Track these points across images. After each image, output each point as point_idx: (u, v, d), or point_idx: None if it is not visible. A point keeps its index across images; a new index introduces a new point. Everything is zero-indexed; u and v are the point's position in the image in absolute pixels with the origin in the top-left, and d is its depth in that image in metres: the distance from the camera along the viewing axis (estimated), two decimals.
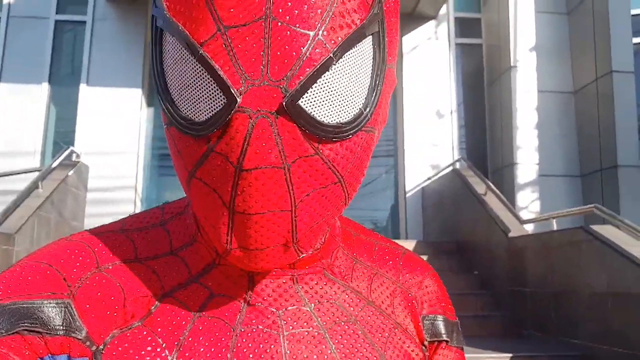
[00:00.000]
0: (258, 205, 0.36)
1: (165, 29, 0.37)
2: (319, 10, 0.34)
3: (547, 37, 7.11)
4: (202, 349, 0.41)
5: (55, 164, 5.51)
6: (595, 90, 6.63)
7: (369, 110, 0.38)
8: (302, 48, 0.34)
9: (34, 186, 5.05)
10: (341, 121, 0.37)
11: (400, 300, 0.51)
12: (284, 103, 0.34)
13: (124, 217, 0.51)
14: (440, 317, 0.53)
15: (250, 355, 0.42)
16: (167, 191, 7.09)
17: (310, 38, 0.34)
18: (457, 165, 6.34)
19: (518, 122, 6.66)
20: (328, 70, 0.35)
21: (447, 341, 0.53)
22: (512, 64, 6.71)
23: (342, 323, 0.46)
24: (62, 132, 6.93)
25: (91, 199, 6.29)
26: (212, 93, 0.35)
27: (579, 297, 3.81)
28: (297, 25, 0.34)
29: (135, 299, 0.43)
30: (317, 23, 0.34)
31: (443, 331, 0.52)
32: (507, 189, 6.55)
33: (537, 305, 4.36)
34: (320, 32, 0.34)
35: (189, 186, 0.40)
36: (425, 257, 5.55)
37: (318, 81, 0.35)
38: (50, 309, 0.40)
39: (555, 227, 4.53)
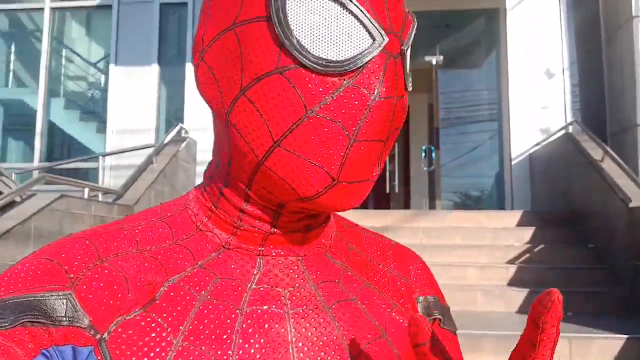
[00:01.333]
0: (376, 134, 0.42)
1: None
2: None
3: None
4: (207, 332, 0.42)
5: (167, 140, 5.93)
6: None
7: (410, 74, 0.48)
8: (404, 12, 0.45)
9: (149, 161, 5.49)
10: (409, 73, 0.46)
11: (395, 284, 0.54)
12: (403, 48, 0.44)
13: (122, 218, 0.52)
14: (432, 298, 0.57)
15: (256, 335, 0.43)
16: None
17: (404, 9, 0.45)
18: (570, 128, 5.86)
19: None
20: (414, 31, 0.46)
21: (440, 319, 0.56)
22: (634, 13, 5.97)
23: (344, 302, 0.48)
24: (172, 110, 7.41)
25: (200, 171, 6.72)
26: (356, 35, 0.41)
27: None
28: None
29: (139, 288, 0.44)
30: (404, 1, 0.46)
31: (435, 310, 0.56)
32: (629, 153, 5.93)
33: None
34: (405, 8, 0.46)
35: (305, 124, 0.41)
36: (532, 229, 5.25)
37: (411, 40, 0.45)
38: (52, 301, 0.42)
39: None
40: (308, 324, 0.45)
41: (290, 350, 0.44)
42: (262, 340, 0.43)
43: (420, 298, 0.56)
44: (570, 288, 4.38)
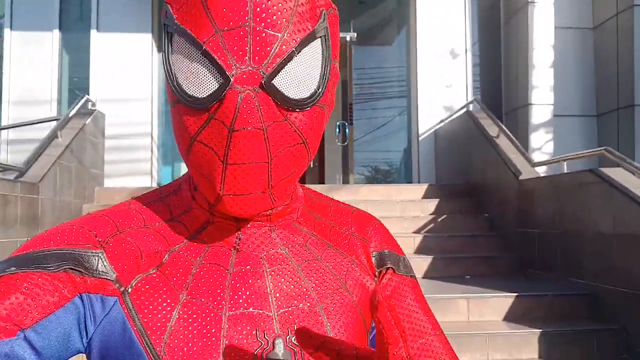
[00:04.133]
0: (245, 157, 0.49)
1: (176, 32, 0.50)
2: (284, 19, 0.48)
3: None
4: (204, 288, 0.54)
5: (72, 113, 5.60)
6: (616, 26, 6.41)
7: (321, 90, 0.52)
8: (273, 45, 0.48)
9: (53, 135, 5.17)
10: (302, 97, 0.51)
11: (354, 243, 0.65)
12: (262, 82, 0.48)
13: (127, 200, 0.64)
14: (385, 251, 0.67)
15: (243, 288, 0.55)
16: None
17: (279, 38, 0.48)
18: (471, 107, 6.28)
19: (534, 61, 6.51)
20: (291, 60, 0.49)
21: (393, 268, 0.66)
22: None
23: (311, 261, 0.60)
24: (76, 79, 6.98)
25: (109, 146, 6.43)
26: (212, 76, 0.48)
27: (585, 239, 3.90)
28: (270, 29, 0.47)
29: (149, 254, 0.55)
30: (282, 28, 0.48)
31: (388, 260, 0.66)
32: (522, 130, 6.51)
33: (544, 247, 4.47)
34: (286, 34, 0.48)
35: (190, 149, 0.52)
36: (436, 201, 5.64)
37: (285, 67, 0.48)
38: (88, 256, 0.52)
39: (566, 170, 4.56)
40: (283, 279, 0.57)
41: (270, 299, 0.55)
42: (247, 292, 0.55)
43: (375, 253, 0.66)
44: (467, 254, 4.81)
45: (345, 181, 7.51)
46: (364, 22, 7.82)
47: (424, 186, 6.08)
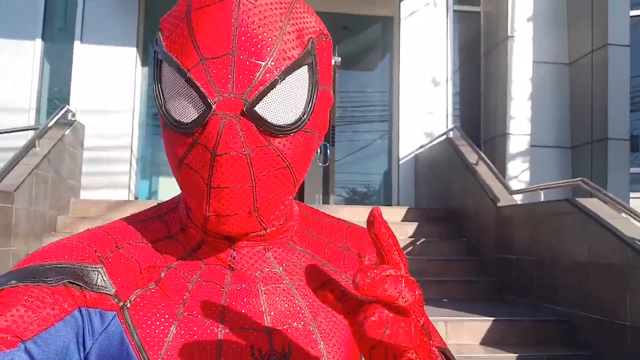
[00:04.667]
0: (228, 181, 0.50)
1: (164, 60, 0.52)
2: (268, 48, 0.49)
3: (545, 6, 7.08)
4: (201, 305, 0.55)
5: (51, 123, 5.51)
6: (590, 63, 6.67)
7: (306, 116, 0.53)
8: (256, 73, 0.49)
9: (31, 144, 5.07)
10: (286, 123, 0.51)
11: (349, 260, 0.66)
12: (244, 108, 0.49)
13: (126, 216, 0.65)
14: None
15: (238, 307, 0.56)
16: (162, 150, 7.12)
17: (262, 66, 0.49)
18: (451, 134, 6.41)
19: (513, 93, 6.71)
20: (275, 88, 0.50)
21: None
22: (509, 34, 6.70)
23: (305, 280, 0.60)
24: (56, 89, 6.88)
25: (88, 157, 6.33)
26: (196, 103, 0.49)
27: (562, 266, 3.99)
28: (253, 57, 0.49)
29: (148, 269, 0.56)
30: (266, 56, 0.49)
31: None
32: (499, 158, 6.66)
33: (521, 273, 4.54)
34: (269, 62, 0.49)
35: (179, 171, 0.53)
36: (415, 224, 5.70)
37: (268, 95, 0.50)
38: (88, 270, 0.53)
39: (542, 198, 4.67)
40: (277, 298, 0.58)
41: (265, 318, 0.56)
42: (242, 311, 0.56)
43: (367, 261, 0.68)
44: (446, 277, 4.86)
45: (325, 201, 7.52)
46: (348, 47, 7.96)
47: (404, 209, 6.14)
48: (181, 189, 0.56)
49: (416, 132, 7.07)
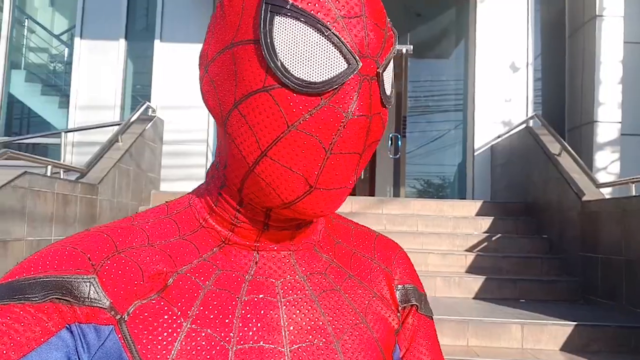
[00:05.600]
0: (349, 146, 0.47)
1: (292, 13, 0.46)
2: (386, 16, 0.50)
3: None
4: (212, 316, 0.49)
5: (133, 118, 5.82)
6: None
7: (393, 92, 0.53)
8: (382, 38, 0.48)
9: (114, 139, 5.39)
10: (389, 95, 0.50)
11: (377, 274, 0.61)
12: (379, 70, 0.48)
13: (137, 212, 0.60)
14: (410, 286, 0.63)
15: (254, 320, 0.50)
16: None
17: (385, 32, 0.49)
18: (531, 122, 6.05)
19: (601, 76, 6.20)
20: (392, 55, 0.50)
21: (417, 306, 0.62)
22: (597, 13, 6.18)
23: (329, 291, 0.55)
24: (139, 87, 7.26)
25: (166, 151, 6.63)
26: (333, 61, 0.45)
27: None
28: (378, 23, 0.48)
29: (152, 276, 0.50)
30: (385, 24, 0.49)
31: (413, 297, 0.62)
32: (585, 149, 6.20)
33: (608, 273, 4.19)
34: (386, 32, 0.49)
35: (285, 139, 0.46)
36: (491, 218, 5.44)
37: (389, 62, 0.49)
38: (77, 283, 0.47)
39: (634, 192, 4.27)
40: (298, 311, 0.52)
41: (283, 333, 0.50)
42: (258, 324, 0.50)
43: (400, 286, 0.61)
44: (523, 276, 4.59)
45: (396, 194, 7.39)
46: (421, 35, 7.73)
47: (478, 203, 5.88)
48: (278, 161, 0.48)
49: (493, 122, 6.75)
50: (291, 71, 0.45)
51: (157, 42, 6.99)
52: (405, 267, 0.64)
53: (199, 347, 0.47)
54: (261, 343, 0.49)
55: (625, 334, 3.48)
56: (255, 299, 0.51)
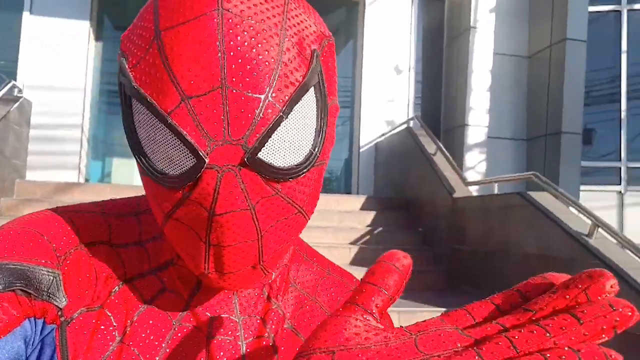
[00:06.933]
0: (229, 240, 0.42)
1: (134, 97, 0.41)
2: (266, 76, 0.39)
3: None
4: (143, 335, 0.47)
5: None
6: (549, 56, 6.78)
7: (318, 149, 0.44)
8: (255, 110, 0.39)
9: None
10: (295, 163, 0.42)
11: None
12: (245, 158, 0.39)
13: (103, 200, 0.55)
14: None
15: (181, 349, 0.48)
16: (116, 130, 6.87)
17: (262, 101, 0.39)
18: (411, 123, 6.43)
19: (472, 83, 6.77)
20: (280, 126, 0.40)
21: None
22: (472, 24, 6.73)
23: (259, 338, 0.52)
24: (2, 62, 6.51)
25: (34, 136, 6.03)
26: (183, 153, 0.40)
27: (511, 258, 4.06)
28: (249, 91, 0.38)
29: (103, 280, 0.48)
30: (265, 87, 0.39)
31: None
32: (457, 149, 6.73)
33: (474, 263, 4.62)
34: (270, 95, 0.39)
35: (165, 224, 0.44)
36: (373, 213, 5.71)
37: (272, 136, 0.40)
38: (42, 275, 0.44)
39: (497, 191, 4.74)
40: (222, 352, 0.49)
41: None
42: (184, 354, 0.48)
43: None
44: None
45: None
46: None
47: (362, 198, 6.14)
48: (168, 240, 0.46)
49: (378, 120, 7.06)
50: (155, 164, 0.42)
51: (25, 15, 6.31)
52: None
53: None
54: None
55: None
56: (188, 328, 0.49)
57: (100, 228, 0.50)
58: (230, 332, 0.50)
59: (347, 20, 7.90)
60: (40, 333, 0.44)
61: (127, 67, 0.41)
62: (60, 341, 0.44)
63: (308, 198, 0.45)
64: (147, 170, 0.42)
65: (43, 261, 0.44)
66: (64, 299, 0.45)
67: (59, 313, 0.45)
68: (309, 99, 0.42)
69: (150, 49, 0.40)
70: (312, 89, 0.42)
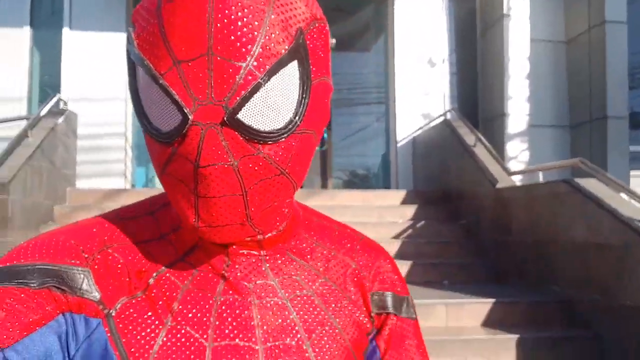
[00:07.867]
0: (215, 191, 0.46)
1: (136, 62, 0.47)
2: (248, 46, 0.44)
3: None
4: (190, 315, 0.52)
5: (43, 112, 5.43)
6: (588, 40, 6.59)
7: (298, 117, 0.48)
8: (236, 76, 0.44)
9: (23, 135, 5.00)
10: (275, 128, 0.47)
11: (352, 278, 0.61)
12: (225, 117, 0.44)
13: (116, 208, 0.61)
14: (388, 294, 0.63)
15: (229, 319, 0.53)
16: None
17: (243, 68, 0.44)
18: (448, 115, 6.36)
19: (510, 72, 6.64)
20: (258, 91, 0.45)
21: (395, 312, 0.63)
22: (504, 12, 6.60)
23: (301, 295, 0.57)
24: (47, 77, 6.78)
25: (81, 146, 6.26)
26: (172, 111, 0.45)
27: (560, 247, 3.98)
28: (232, 59, 0.44)
29: (136, 274, 0.53)
30: (247, 56, 0.44)
31: (389, 305, 0.62)
32: (497, 139, 6.62)
33: (520, 254, 4.54)
34: (251, 63, 0.44)
35: (162, 179, 0.50)
36: (414, 207, 5.68)
37: (251, 99, 0.45)
38: (73, 273, 0.50)
39: (541, 179, 4.64)
40: (270, 312, 0.55)
41: (256, 332, 0.53)
42: (234, 324, 0.53)
43: (375, 293, 0.62)
44: (445, 260, 4.85)
45: (324, 186, 7.49)
46: (342, 29, 7.85)
47: (402, 192, 6.11)
48: (168, 197, 0.52)
49: (413, 114, 7.01)
50: (150, 120, 0.48)
51: (65, 30, 6.56)
52: (384, 274, 0.64)
53: (178, 343, 0.50)
54: (236, 341, 0.52)
55: (537, 308, 3.80)
56: (230, 300, 0.54)
57: (122, 231, 0.55)
58: (271, 294, 0.55)
59: (376, 15, 7.87)
60: (85, 331, 0.49)
61: (133, 36, 0.48)
62: (110, 330, 0.50)
63: (293, 162, 0.49)
64: (145, 127, 0.48)
65: (73, 261, 0.50)
66: (97, 293, 0.50)
67: (101, 307, 0.50)
68: (291, 71, 0.47)
69: (152, 19, 0.46)
70: (295, 62, 0.47)
